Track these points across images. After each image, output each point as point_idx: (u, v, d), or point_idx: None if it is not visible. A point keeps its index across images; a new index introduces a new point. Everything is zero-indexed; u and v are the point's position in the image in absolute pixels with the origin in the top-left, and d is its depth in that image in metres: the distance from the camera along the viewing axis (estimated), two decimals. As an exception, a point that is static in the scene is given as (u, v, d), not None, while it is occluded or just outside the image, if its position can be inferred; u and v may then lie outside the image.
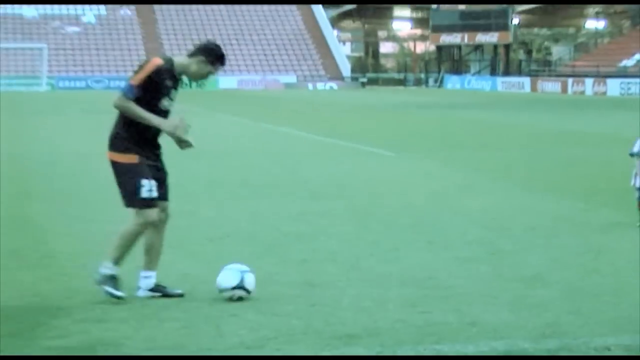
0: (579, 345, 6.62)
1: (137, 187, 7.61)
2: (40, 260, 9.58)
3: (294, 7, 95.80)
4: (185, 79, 7.93)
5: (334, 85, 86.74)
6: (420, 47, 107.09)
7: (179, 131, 7.66)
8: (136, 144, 7.69)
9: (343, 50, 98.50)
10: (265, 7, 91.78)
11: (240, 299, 7.73)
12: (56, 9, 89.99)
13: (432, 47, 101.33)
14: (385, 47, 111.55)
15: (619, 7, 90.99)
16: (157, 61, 7.68)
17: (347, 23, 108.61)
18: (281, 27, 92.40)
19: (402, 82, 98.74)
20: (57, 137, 26.78)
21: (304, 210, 13.09)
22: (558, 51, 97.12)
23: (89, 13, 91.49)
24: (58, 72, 79.51)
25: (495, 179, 17.22)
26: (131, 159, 7.66)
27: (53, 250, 10.19)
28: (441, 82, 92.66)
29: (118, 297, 7.65)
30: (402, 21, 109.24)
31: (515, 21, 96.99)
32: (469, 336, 6.89)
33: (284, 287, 8.28)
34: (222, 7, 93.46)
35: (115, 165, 7.74)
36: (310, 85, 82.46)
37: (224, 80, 77.27)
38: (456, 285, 8.56)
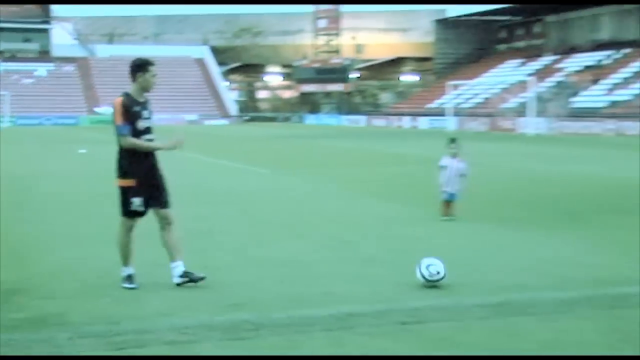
0: (401, 307, 6.70)
1: (131, 203, 7.41)
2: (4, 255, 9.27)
3: (195, 64, 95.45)
4: (146, 95, 7.49)
5: (225, 121, 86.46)
6: (287, 94, 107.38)
7: (179, 147, 7.60)
8: (135, 169, 7.37)
9: (231, 96, 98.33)
10: (174, 63, 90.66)
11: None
12: (15, 65, 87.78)
13: (296, 94, 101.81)
14: (262, 94, 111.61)
15: (427, 65, 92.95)
16: (118, 100, 7.33)
17: (235, 76, 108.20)
18: (186, 79, 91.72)
19: (274, 119, 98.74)
20: (16, 160, 25.91)
21: (203, 213, 12.97)
22: (384, 97, 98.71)
23: (41, 69, 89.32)
24: (18, 113, 77.43)
25: (343, 188, 17.35)
26: (129, 182, 7.39)
27: (14, 247, 9.88)
28: (302, 119, 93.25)
29: (132, 288, 7.42)
30: (274, 75, 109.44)
31: (355, 75, 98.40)
32: (324, 302, 6.91)
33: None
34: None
35: (119, 188, 7.48)
36: (206, 122, 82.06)
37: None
38: (316, 265, 8.59)
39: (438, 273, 7.37)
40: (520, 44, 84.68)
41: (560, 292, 7.23)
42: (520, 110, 58.00)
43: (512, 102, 63.23)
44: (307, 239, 10.39)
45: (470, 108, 68.82)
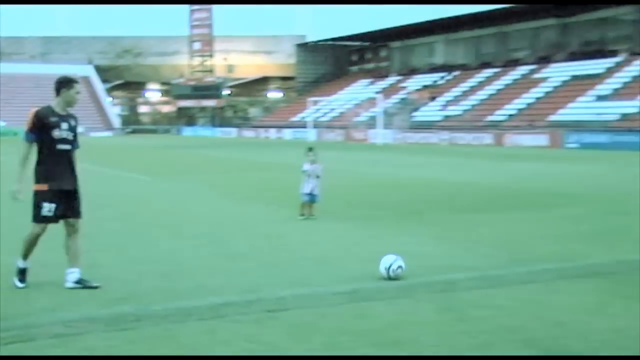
0: (268, 296, 6.69)
1: (41, 207, 7.00)
2: None
3: (81, 81, 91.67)
4: (70, 110, 7.17)
5: (109, 133, 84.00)
6: (166, 108, 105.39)
7: (16, 198, 7.06)
8: (49, 174, 7.00)
9: (114, 110, 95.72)
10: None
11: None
12: None
13: (174, 108, 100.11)
14: (143, 109, 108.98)
15: (290, 83, 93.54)
16: (34, 110, 7.04)
17: (118, 92, 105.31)
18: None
19: (154, 132, 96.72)
20: None
21: (85, 217, 12.48)
22: (253, 111, 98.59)
23: None
24: None
25: (216, 192, 17.21)
26: (42, 187, 7.00)
27: None
28: (180, 131, 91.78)
29: (18, 287, 7.05)
30: (154, 91, 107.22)
31: (227, 92, 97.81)
32: (199, 294, 6.81)
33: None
34: (31, 83, 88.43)
35: (33, 192, 7.06)
36: (92, 134, 79.28)
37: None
38: (191, 261, 8.47)
39: (400, 267, 7.41)
40: (370, 65, 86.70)
41: (402, 279, 7.43)
42: (371, 123, 59.38)
43: (364, 115, 64.60)
44: (183, 238, 10.23)
45: (328, 121, 69.85)
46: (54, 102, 7.18)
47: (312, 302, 6.52)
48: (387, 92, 69.29)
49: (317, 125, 64.76)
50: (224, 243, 9.84)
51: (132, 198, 15.89)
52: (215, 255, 8.88)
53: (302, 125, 68.07)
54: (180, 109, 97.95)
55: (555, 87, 56.09)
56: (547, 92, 56.14)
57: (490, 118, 55.43)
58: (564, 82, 55.97)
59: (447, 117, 59.54)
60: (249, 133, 77.15)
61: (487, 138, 49.68)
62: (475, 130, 52.40)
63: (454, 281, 7.33)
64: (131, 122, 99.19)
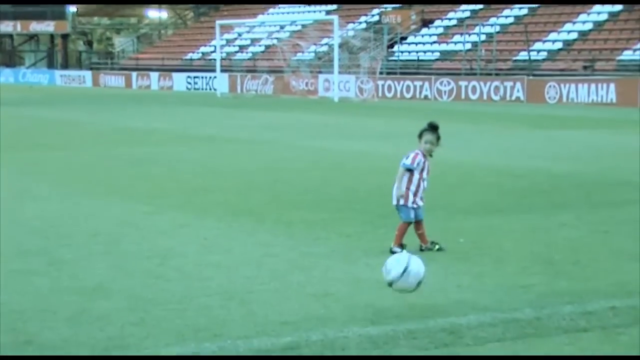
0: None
1: None
2: None
3: None
4: None
5: None
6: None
7: None
8: None
9: None
10: None
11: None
12: None
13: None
14: None
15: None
16: None
17: None
18: None
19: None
20: None
21: None
22: (120, 42, 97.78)
23: None
24: None
25: (55, 183, 17.06)
26: None
27: None
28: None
29: None
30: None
31: (73, 9, 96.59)
32: (25, 357, 6.81)
33: None
34: None
35: None
36: None
37: None
38: (10, 301, 8.41)
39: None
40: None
41: (379, 324, 7.51)
42: (320, 65, 59.45)
43: (308, 52, 64.38)
44: (0, 261, 10.14)
45: (247, 60, 69.40)
46: None
47: (221, 367, 6.57)
48: (348, 11, 69.38)
49: (229, 67, 64.39)
50: (70, 268, 9.80)
51: None
52: (54, 290, 8.83)
53: (206, 67, 67.83)
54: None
55: (630, 6, 56.72)
56: (613, 14, 56.67)
57: (519, 56, 55.98)
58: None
59: (447, 53, 59.88)
60: (113, 80, 76.66)
61: (515, 90, 50.24)
62: (495, 76, 52.87)
63: (458, 329, 7.44)
64: None
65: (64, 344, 7.08)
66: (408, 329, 7.44)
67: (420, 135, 10.72)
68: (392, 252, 9.86)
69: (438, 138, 10.69)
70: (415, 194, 10.56)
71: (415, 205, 10.59)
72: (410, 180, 10.56)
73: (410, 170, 10.55)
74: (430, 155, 10.73)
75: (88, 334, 7.34)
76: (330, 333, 7.33)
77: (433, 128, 10.70)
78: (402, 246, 10.40)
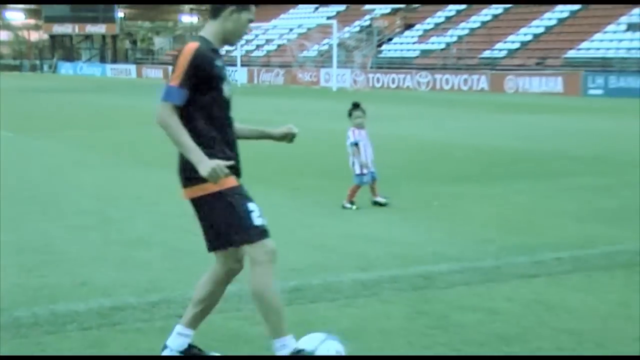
0: (176, 297, 6.72)
1: (248, 214, 5.30)
2: None
3: None
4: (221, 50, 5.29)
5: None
6: (35, 36, 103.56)
7: (215, 179, 5.17)
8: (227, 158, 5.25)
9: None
10: None
11: None
12: None
13: (46, 36, 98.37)
14: (1, 35, 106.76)
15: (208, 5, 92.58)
16: (193, 45, 4.99)
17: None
18: None
19: (18, 68, 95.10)
20: None
21: None
22: (159, 42, 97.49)
23: None
24: None
25: (105, 155, 17.09)
26: (227, 183, 5.28)
27: None
28: (55, 68, 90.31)
29: None
30: (15, 11, 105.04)
31: (121, 14, 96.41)
32: (80, 295, 6.81)
33: None
34: None
35: (200, 202, 5.49)
36: None
37: None
38: (69, 250, 8.44)
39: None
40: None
41: (365, 270, 7.52)
42: (322, 60, 59.25)
43: (312, 50, 64.41)
44: (60, 218, 10.17)
45: (262, 57, 69.54)
46: (207, 31, 5.23)
47: (237, 304, 6.57)
48: (345, 17, 69.21)
49: (248, 62, 64.39)
50: (118, 224, 9.82)
51: (-13, 162, 15.69)
52: (104, 242, 8.86)
53: (229, 62, 67.45)
54: (54, 38, 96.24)
55: (573, 13, 56.68)
56: (561, 20, 56.73)
57: (485, 54, 55.94)
58: (585, 5, 56.52)
59: (426, 52, 59.79)
60: (153, 72, 76.42)
61: (481, 81, 50.25)
62: (465, 70, 52.88)
63: (432, 275, 7.45)
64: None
65: (112, 285, 7.09)
66: (391, 275, 7.45)
67: (350, 115, 11.26)
68: (344, 208, 10.87)
69: (364, 112, 11.28)
70: (367, 159, 11.13)
71: (372, 170, 11.18)
72: (359, 152, 11.10)
73: (356, 145, 11.10)
74: (363, 127, 11.25)
75: (131, 277, 7.36)
76: (328, 277, 7.35)
77: (357, 106, 11.29)
78: (352, 203, 10.99)
